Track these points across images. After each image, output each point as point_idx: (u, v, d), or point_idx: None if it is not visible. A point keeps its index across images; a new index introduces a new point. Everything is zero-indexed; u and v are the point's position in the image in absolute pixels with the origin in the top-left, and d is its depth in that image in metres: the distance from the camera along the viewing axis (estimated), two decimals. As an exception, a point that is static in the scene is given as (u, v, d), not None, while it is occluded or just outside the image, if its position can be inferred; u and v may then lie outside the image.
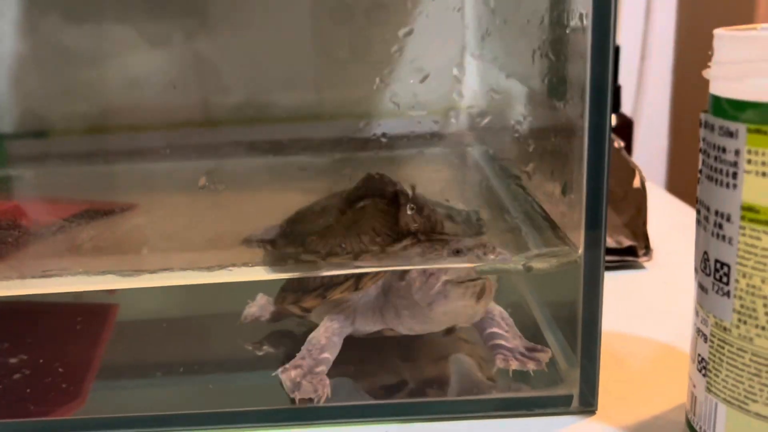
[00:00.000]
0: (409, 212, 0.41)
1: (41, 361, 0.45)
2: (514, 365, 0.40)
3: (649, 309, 0.52)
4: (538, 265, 0.38)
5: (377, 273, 0.40)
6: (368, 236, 0.41)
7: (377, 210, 0.43)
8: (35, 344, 0.47)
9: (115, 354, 0.47)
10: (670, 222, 0.70)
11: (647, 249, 0.60)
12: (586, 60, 0.34)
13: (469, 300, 0.39)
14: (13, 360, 0.44)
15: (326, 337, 0.40)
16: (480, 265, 0.38)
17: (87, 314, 0.51)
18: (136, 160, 0.68)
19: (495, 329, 0.41)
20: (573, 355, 0.40)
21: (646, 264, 0.59)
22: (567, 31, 0.39)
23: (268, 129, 0.70)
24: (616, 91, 0.93)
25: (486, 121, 0.67)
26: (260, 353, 0.46)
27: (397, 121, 0.72)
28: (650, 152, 1.17)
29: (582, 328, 0.38)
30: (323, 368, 0.40)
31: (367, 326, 0.42)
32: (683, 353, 0.45)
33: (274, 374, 0.40)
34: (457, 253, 0.38)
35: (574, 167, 0.39)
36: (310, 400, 0.39)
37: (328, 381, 0.39)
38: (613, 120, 0.89)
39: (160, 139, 0.68)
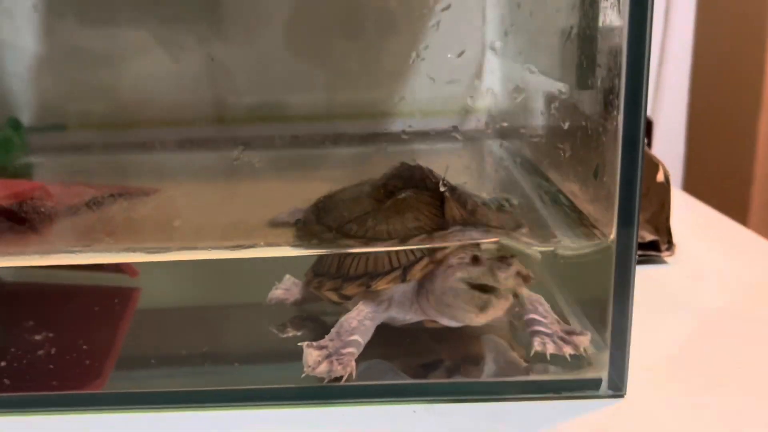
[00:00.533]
0: (449, 202, 0.41)
1: (64, 339, 0.45)
2: (551, 349, 0.39)
3: (673, 303, 0.51)
4: (567, 252, 0.38)
5: (426, 264, 0.40)
6: (414, 225, 0.41)
7: (421, 201, 0.43)
8: (59, 324, 0.47)
9: (139, 336, 0.47)
10: (690, 219, 0.70)
11: (670, 244, 0.59)
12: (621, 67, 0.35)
13: (472, 306, 0.39)
14: (37, 337, 0.44)
15: (358, 320, 0.40)
16: (508, 243, 0.38)
17: (110, 297, 0.51)
18: (154, 151, 0.68)
19: (533, 315, 0.41)
20: (600, 339, 0.40)
21: (668, 259, 0.59)
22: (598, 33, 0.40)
23: (284, 126, 0.70)
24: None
25: (508, 117, 0.67)
26: (284, 335, 0.46)
27: (415, 120, 0.73)
28: (668, 154, 1.17)
29: (613, 312, 0.38)
30: (352, 350, 0.39)
31: (404, 315, 0.42)
32: (709, 344, 0.45)
33: (299, 344, 0.39)
34: (475, 260, 0.38)
35: (606, 151, 0.39)
36: (336, 379, 0.38)
37: (353, 363, 0.39)
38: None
39: (176, 134, 0.68)
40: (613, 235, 0.37)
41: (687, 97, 1.25)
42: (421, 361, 0.42)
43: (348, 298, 0.42)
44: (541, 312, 0.41)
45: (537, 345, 0.40)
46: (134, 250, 0.42)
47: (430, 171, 0.46)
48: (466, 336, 0.43)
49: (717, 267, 0.58)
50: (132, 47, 0.63)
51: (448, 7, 0.61)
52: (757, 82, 1.15)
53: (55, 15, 0.62)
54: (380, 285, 0.40)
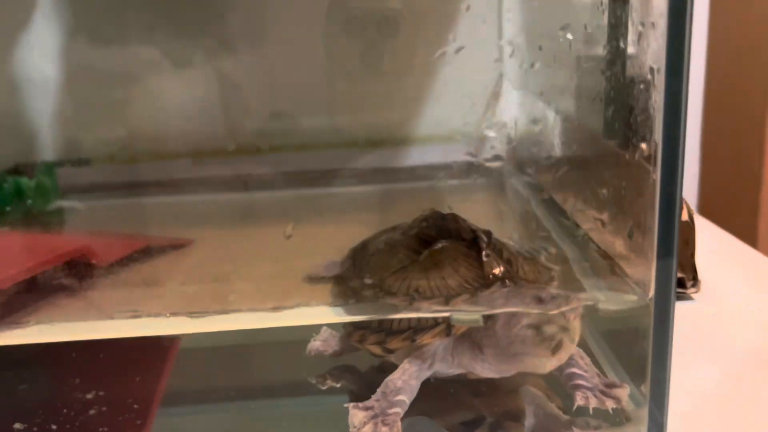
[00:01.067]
0: (489, 257, 0.42)
1: (112, 396, 0.46)
2: (594, 403, 0.40)
3: (703, 342, 0.52)
4: (607, 306, 0.39)
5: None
6: (454, 280, 0.42)
7: (458, 253, 0.43)
8: (103, 379, 0.48)
9: (180, 385, 0.48)
10: (709, 247, 0.70)
11: (695, 281, 0.60)
12: (659, 109, 0.35)
13: (545, 350, 0.39)
14: (88, 396, 0.45)
15: (403, 380, 0.41)
16: (546, 310, 0.38)
17: (150, 349, 0.52)
18: (177, 191, 0.70)
19: (575, 369, 0.42)
20: (638, 393, 0.40)
21: (694, 295, 0.60)
22: (631, 81, 0.40)
23: (297, 157, 0.71)
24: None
25: (527, 153, 0.68)
26: (324, 387, 0.47)
27: (431, 149, 0.73)
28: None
29: (652, 368, 0.39)
30: (398, 410, 0.40)
31: (446, 369, 0.42)
32: (743, 386, 0.46)
33: (345, 405, 0.40)
34: (540, 300, 0.39)
35: (640, 209, 0.39)
36: None
37: (399, 423, 0.40)
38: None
39: (196, 169, 0.69)
40: (652, 293, 0.38)
41: (701, 119, 1.26)
42: (463, 417, 0.42)
43: (391, 351, 0.43)
44: (582, 366, 0.42)
45: (580, 399, 0.40)
46: (178, 314, 0.43)
47: (463, 219, 0.46)
48: (504, 389, 0.44)
49: (743, 301, 0.59)
50: (149, 72, 0.64)
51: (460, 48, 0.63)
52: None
53: (72, 39, 0.63)
54: (425, 339, 0.41)
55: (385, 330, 0.43)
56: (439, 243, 0.45)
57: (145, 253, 0.54)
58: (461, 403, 0.44)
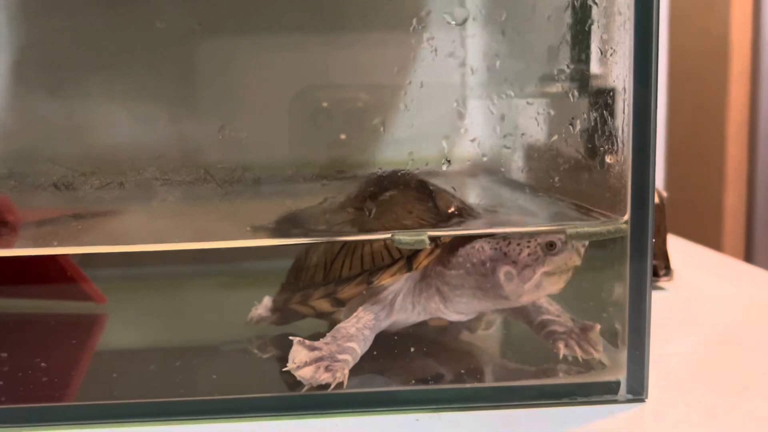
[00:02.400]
0: (445, 195, 0.39)
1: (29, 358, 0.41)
2: (579, 352, 0.37)
3: (679, 323, 0.48)
4: (582, 230, 0.35)
5: (432, 250, 0.37)
6: (409, 221, 0.38)
7: (408, 197, 0.39)
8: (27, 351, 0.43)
9: (107, 356, 0.44)
10: (677, 248, 0.67)
11: (668, 270, 0.57)
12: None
13: (561, 285, 0.36)
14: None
15: (357, 328, 0.36)
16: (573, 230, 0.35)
17: (78, 324, 0.48)
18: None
19: (546, 316, 0.38)
20: (615, 342, 0.36)
21: (666, 285, 0.57)
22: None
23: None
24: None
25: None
26: (265, 356, 0.42)
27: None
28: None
29: (629, 307, 0.35)
30: (347, 357, 0.35)
31: (406, 319, 0.38)
32: (726, 354, 0.42)
33: (290, 338, 0.36)
34: (551, 246, 0.35)
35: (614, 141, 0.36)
36: (320, 387, 0.34)
37: (347, 372, 0.35)
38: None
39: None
40: (626, 216, 0.34)
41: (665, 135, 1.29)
42: (422, 374, 0.38)
43: (342, 303, 0.39)
44: (553, 312, 0.38)
45: (563, 349, 0.37)
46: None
47: (411, 174, 0.43)
48: (465, 343, 0.40)
49: (716, 291, 0.56)
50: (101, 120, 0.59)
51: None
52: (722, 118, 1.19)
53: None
54: (384, 279, 0.37)
55: (334, 281, 0.39)
56: (386, 193, 0.41)
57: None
58: (417, 361, 0.39)
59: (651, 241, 0.34)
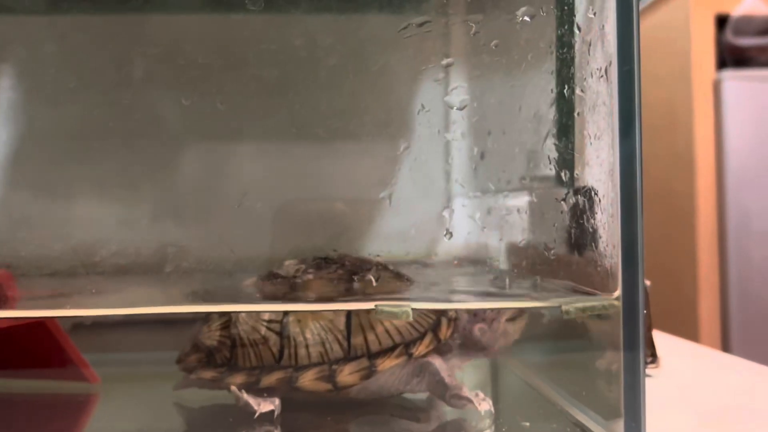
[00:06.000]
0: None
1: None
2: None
3: (667, 408, 0.49)
4: (577, 305, 0.36)
5: (449, 322, 0.44)
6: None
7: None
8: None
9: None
10: (662, 345, 0.69)
11: (654, 357, 0.58)
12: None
13: (520, 328, 0.45)
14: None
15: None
16: (521, 304, 0.36)
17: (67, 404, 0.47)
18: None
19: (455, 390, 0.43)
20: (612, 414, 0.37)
21: (653, 372, 0.58)
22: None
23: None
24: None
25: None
26: None
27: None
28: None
29: (625, 381, 0.36)
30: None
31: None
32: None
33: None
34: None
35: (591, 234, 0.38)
36: None
37: None
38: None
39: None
40: (618, 292, 0.36)
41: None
42: None
43: (371, 376, 0.43)
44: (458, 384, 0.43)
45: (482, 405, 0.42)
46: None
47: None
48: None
49: (701, 378, 0.57)
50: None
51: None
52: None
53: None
54: (421, 350, 0.43)
55: (359, 356, 0.43)
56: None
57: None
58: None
59: (642, 313, 0.36)
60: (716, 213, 1.40)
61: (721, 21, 1.46)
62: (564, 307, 0.36)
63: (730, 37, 1.44)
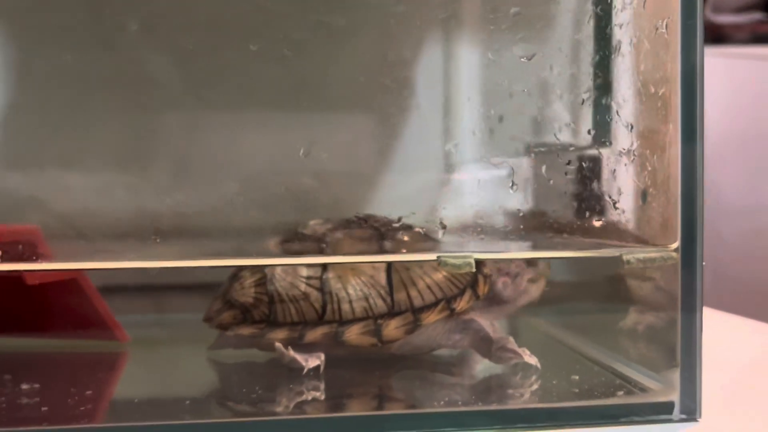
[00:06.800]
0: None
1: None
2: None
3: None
4: (638, 255, 0.37)
5: (485, 278, 0.45)
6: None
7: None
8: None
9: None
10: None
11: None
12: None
13: (541, 289, 0.46)
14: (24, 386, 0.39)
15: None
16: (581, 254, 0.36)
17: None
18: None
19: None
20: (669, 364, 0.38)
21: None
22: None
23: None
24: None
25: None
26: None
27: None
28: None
29: (681, 326, 0.36)
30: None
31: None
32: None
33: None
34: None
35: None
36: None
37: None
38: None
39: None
40: (677, 243, 0.36)
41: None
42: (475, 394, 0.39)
43: (415, 329, 0.43)
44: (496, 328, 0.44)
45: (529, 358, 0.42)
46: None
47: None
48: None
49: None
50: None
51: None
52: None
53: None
54: (462, 305, 0.44)
55: (403, 310, 0.43)
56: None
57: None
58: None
59: (701, 265, 0.36)
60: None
61: (700, -2, 1.48)
62: (625, 257, 0.37)
63: (709, 14, 1.46)
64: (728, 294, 1.46)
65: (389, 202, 0.52)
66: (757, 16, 1.45)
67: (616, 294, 0.48)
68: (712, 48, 1.46)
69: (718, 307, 1.52)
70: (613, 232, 0.44)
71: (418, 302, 0.43)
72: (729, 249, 1.45)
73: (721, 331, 0.61)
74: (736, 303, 1.45)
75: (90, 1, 0.50)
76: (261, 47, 0.47)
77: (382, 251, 0.44)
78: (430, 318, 0.43)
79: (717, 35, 1.46)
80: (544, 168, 0.52)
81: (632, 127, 0.41)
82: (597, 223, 0.45)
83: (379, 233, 0.45)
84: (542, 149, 0.50)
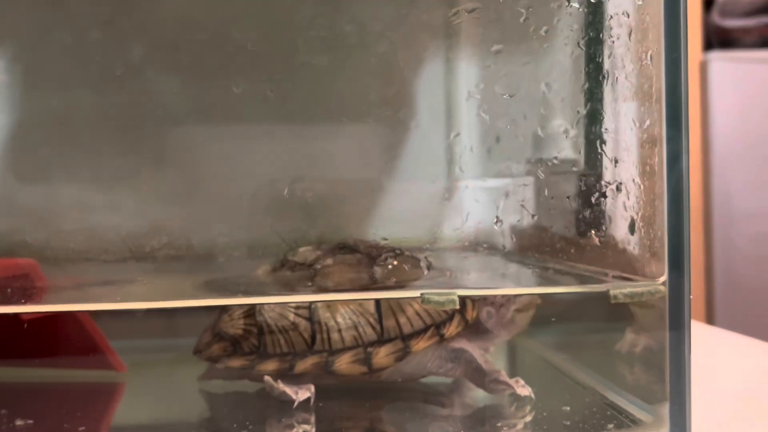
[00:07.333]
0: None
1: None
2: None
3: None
4: (625, 291, 0.36)
5: (473, 304, 0.44)
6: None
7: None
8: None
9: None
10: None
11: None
12: None
13: (528, 319, 0.44)
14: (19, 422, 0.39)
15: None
16: (568, 289, 0.36)
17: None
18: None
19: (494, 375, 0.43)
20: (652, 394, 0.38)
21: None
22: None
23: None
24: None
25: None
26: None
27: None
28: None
29: (670, 364, 0.36)
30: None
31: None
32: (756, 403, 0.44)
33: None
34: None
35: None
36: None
37: None
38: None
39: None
40: (664, 277, 0.36)
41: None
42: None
43: (405, 357, 0.43)
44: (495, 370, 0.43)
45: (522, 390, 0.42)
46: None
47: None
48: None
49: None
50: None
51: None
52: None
53: None
54: (452, 331, 0.43)
55: (393, 338, 0.43)
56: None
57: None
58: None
59: (689, 299, 0.36)
60: (702, 194, 1.41)
61: (708, 2, 1.47)
62: (612, 292, 0.37)
63: (716, 18, 1.45)
64: (740, 298, 1.45)
65: (381, 226, 0.52)
66: (765, 19, 1.44)
67: (612, 314, 0.47)
68: (720, 52, 1.45)
69: (731, 312, 1.52)
70: (607, 257, 0.43)
71: (407, 329, 0.43)
72: (741, 254, 1.44)
73: (726, 353, 0.60)
74: (748, 307, 1.44)
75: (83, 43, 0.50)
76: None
77: (372, 278, 0.44)
78: (420, 344, 0.43)
79: (724, 39, 1.45)
80: (543, 189, 0.52)
81: (617, 162, 0.41)
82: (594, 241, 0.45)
83: (370, 258, 0.45)
84: (540, 168, 0.50)
